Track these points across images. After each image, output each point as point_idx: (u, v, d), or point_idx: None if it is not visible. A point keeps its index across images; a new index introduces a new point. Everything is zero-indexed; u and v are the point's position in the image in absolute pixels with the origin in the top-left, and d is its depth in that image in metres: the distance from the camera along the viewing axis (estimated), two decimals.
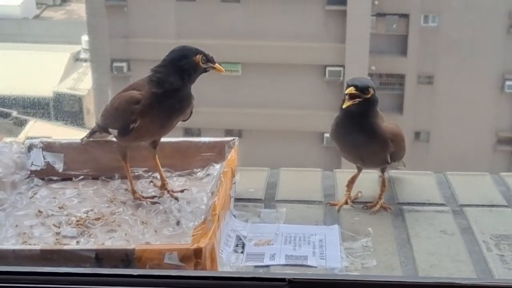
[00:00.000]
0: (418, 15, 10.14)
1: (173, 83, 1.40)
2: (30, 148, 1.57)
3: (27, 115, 9.38)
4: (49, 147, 1.56)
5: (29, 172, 1.55)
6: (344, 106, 1.44)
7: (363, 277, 1.12)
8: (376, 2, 9.99)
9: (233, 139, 1.57)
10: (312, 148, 9.95)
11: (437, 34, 10.05)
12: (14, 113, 9.34)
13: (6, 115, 9.34)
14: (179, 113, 1.43)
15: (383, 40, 10.28)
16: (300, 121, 9.95)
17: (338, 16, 9.94)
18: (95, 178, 1.54)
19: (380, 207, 1.52)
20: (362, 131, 1.48)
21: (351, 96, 1.45)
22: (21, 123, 9.41)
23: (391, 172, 1.67)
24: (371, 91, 1.46)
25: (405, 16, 10.20)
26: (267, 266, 1.31)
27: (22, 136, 8.86)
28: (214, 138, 1.58)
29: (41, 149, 1.56)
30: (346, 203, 1.54)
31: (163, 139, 1.54)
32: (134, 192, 1.48)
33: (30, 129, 9.17)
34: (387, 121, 1.55)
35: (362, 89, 1.45)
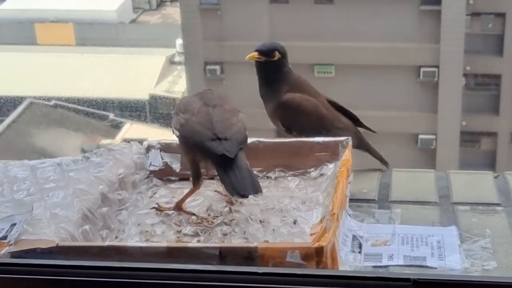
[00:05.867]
0: None
1: None
2: (148, 149, 1.61)
3: (123, 118, 9.61)
4: (166, 148, 1.60)
5: (148, 172, 1.58)
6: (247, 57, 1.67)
7: (491, 278, 1.10)
8: (471, 1, 9.82)
9: (347, 139, 1.56)
10: (406, 150, 9.84)
11: None
12: (111, 116, 9.58)
13: (104, 118, 9.58)
14: None
15: (478, 40, 10.10)
16: (394, 123, 9.85)
17: (432, 16, 9.81)
18: (210, 178, 1.56)
19: None
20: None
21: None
22: (118, 126, 9.64)
23: (507, 173, 1.64)
24: (277, 54, 1.66)
25: (501, 15, 9.99)
26: (386, 266, 1.30)
27: (119, 138, 9.07)
28: (327, 138, 1.59)
29: (159, 150, 1.60)
30: None
31: (277, 140, 1.56)
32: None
33: (126, 131, 9.37)
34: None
35: (266, 53, 1.66)
